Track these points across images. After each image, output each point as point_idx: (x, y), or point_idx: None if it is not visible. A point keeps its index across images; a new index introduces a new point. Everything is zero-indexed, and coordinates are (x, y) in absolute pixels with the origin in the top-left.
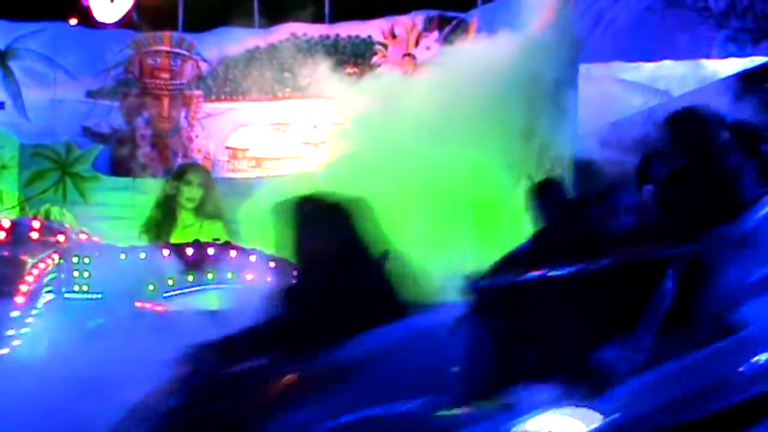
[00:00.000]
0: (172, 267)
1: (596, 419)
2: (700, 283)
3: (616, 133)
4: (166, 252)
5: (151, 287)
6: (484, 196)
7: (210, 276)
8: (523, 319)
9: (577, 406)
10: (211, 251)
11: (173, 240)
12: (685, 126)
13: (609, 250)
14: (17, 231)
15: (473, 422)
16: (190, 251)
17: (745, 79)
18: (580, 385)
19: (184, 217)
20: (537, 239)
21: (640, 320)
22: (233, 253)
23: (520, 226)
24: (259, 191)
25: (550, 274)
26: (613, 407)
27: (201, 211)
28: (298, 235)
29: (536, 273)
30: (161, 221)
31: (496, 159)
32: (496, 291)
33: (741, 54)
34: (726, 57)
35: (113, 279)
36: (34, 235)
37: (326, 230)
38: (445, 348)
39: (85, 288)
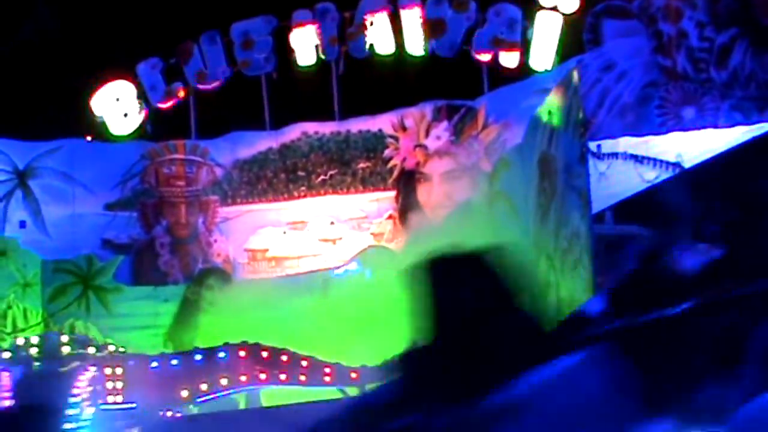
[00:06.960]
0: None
1: None
2: None
3: (631, 207)
4: (198, 357)
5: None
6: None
7: (243, 378)
8: (645, 359)
9: None
10: (242, 354)
11: (197, 345)
12: None
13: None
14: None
15: None
16: (222, 354)
17: (754, 146)
18: (694, 419)
19: (207, 321)
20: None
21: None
22: (265, 354)
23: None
24: (281, 290)
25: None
26: None
27: (223, 314)
28: (437, 293)
29: (653, 315)
30: (184, 327)
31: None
32: (620, 333)
33: (747, 122)
34: (733, 126)
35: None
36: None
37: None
38: (586, 389)
39: (119, 399)
